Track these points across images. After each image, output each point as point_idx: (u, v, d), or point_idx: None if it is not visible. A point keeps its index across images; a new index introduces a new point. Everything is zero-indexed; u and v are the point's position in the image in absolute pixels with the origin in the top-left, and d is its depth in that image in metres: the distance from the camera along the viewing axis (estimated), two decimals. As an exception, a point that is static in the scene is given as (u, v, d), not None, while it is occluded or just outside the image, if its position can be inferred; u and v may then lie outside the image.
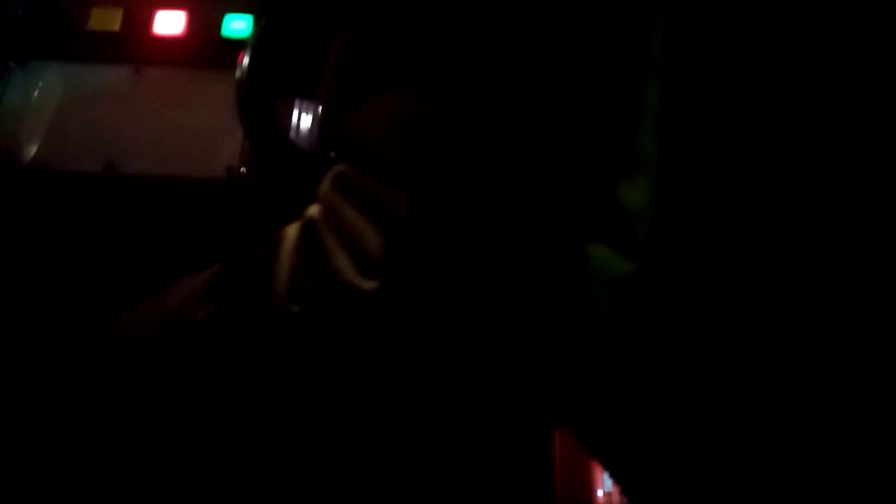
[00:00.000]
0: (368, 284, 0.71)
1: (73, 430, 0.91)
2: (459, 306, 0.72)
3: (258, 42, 1.20)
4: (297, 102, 1.29)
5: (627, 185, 0.72)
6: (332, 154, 0.78)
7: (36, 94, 1.34)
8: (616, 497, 1.21)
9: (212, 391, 0.80)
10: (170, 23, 1.37)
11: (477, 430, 0.78)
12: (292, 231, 0.78)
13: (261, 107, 1.19)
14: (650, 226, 0.72)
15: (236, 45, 1.28)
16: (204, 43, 1.36)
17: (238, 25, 1.36)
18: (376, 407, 0.76)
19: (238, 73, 1.19)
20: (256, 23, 1.34)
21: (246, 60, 1.19)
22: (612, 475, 0.89)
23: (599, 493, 1.22)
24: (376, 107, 0.74)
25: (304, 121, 1.29)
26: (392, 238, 0.71)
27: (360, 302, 0.71)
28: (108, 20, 1.37)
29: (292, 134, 1.28)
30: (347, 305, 0.72)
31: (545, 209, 0.73)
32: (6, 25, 1.36)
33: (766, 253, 0.72)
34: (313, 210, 0.78)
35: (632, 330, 0.73)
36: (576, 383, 0.77)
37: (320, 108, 0.94)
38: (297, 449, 0.84)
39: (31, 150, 1.30)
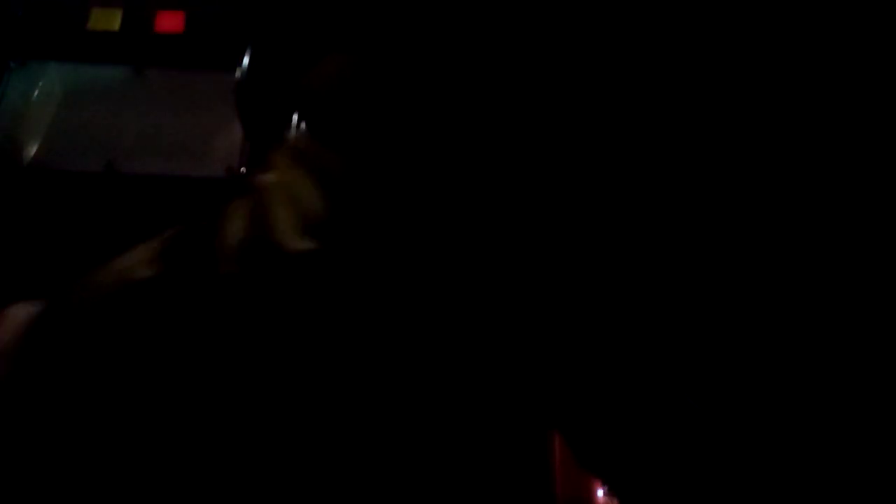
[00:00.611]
0: (306, 245, 0.73)
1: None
2: (393, 266, 0.74)
3: (258, 42, 1.20)
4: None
5: None
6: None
7: (36, 93, 1.34)
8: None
9: (153, 351, 0.81)
10: (170, 23, 1.37)
11: (474, 428, 0.78)
12: (243, 199, 0.80)
13: (261, 107, 1.19)
14: None
15: (236, 45, 1.28)
16: (204, 43, 1.36)
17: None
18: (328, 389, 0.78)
19: (238, 73, 1.19)
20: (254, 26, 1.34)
21: (246, 60, 1.19)
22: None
23: (600, 493, 1.22)
24: (317, 72, 0.76)
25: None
26: (333, 201, 0.73)
27: (295, 262, 0.73)
28: (108, 20, 1.37)
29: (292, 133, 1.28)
30: (283, 266, 0.74)
31: (473, 163, 0.75)
32: (6, 25, 1.36)
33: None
34: (266, 177, 0.79)
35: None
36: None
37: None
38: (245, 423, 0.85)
39: (31, 150, 1.30)
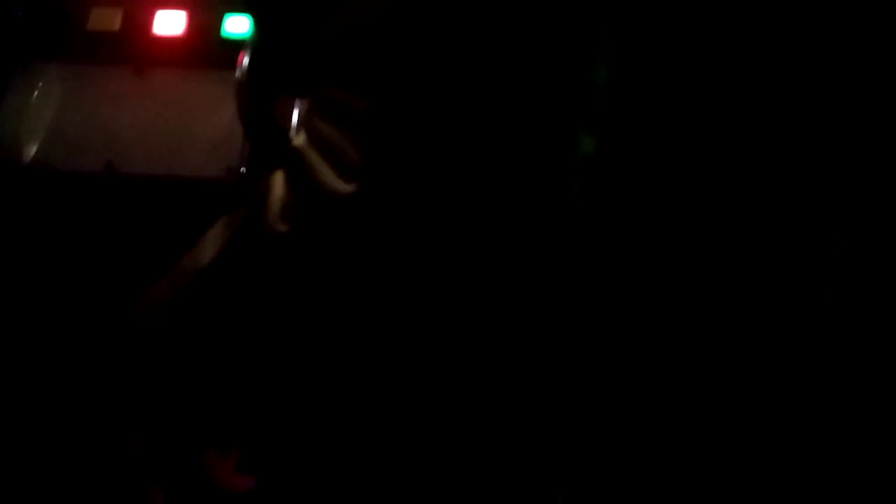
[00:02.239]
0: (348, 188, 0.75)
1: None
2: (434, 203, 0.76)
3: (257, 42, 1.20)
4: (297, 102, 1.29)
5: None
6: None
7: (36, 94, 1.34)
8: None
9: (227, 332, 0.83)
10: (170, 23, 1.37)
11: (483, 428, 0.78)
12: (281, 168, 0.82)
13: (261, 107, 1.19)
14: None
15: (236, 45, 1.28)
16: (204, 43, 1.36)
17: (238, 26, 1.36)
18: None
19: (238, 73, 1.19)
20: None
21: (246, 60, 1.19)
22: None
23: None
24: (338, 21, 0.78)
25: (304, 121, 1.29)
26: (366, 142, 0.75)
27: (341, 205, 0.75)
28: (108, 20, 1.37)
29: (292, 133, 1.28)
30: (331, 212, 0.76)
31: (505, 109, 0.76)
32: (7, 26, 1.36)
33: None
34: (297, 139, 0.81)
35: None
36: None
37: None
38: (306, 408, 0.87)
39: (32, 150, 1.30)
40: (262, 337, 0.82)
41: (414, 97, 0.74)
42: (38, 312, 1.27)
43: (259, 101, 1.19)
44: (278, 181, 0.81)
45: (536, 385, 0.81)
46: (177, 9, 1.37)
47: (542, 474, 0.87)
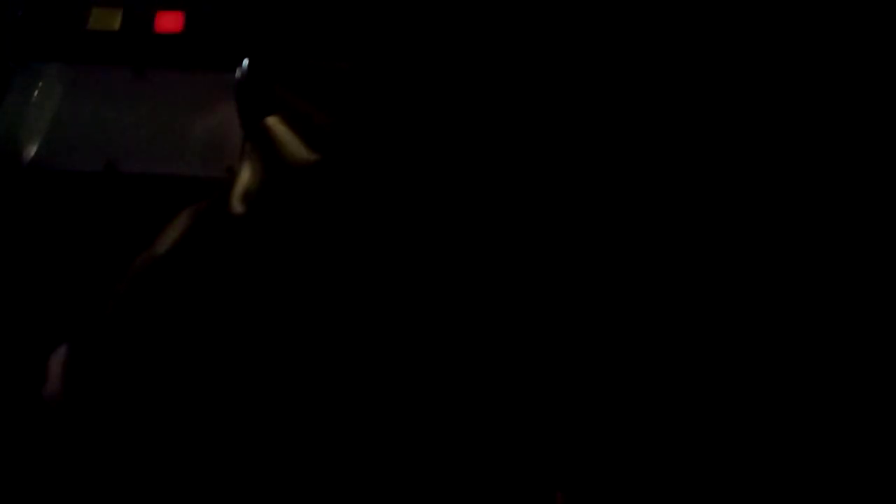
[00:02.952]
0: (314, 156, 0.71)
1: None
2: (409, 170, 0.72)
3: (257, 44, 1.20)
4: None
5: None
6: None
7: (36, 94, 1.34)
8: None
9: (183, 327, 0.79)
10: (170, 23, 1.37)
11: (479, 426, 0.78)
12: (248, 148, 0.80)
13: (261, 106, 1.19)
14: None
15: (236, 45, 1.28)
16: (204, 43, 1.36)
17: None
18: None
19: (238, 73, 1.19)
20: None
21: (246, 61, 1.19)
22: None
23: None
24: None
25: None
26: (337, 105, 0.72)
27: (305, 177, 0.72)
28: (108, 20, 1.37)
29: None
30: (293, 185, 0.72)
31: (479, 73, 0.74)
32: (6, 26, 1.36)
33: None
34: (266, 120, 0.79)
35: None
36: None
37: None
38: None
39: (32, 150, 1.30)
40: (223, 332, 0.77)
41: (394, 58, 0.72)
42: (37, 312, 1.27)
43: (259, 101, 1.19)
44: (243, 167, 0.78)
45: (529, 379, 0.80)
46: (177, 9, 1.37)
47: (542, 473, 0.87)
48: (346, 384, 0.77)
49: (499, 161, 0.72)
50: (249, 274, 0.75)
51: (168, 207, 1.29)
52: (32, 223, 1.29)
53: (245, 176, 0.76)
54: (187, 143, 1.30)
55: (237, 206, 0.75)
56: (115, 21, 1.36)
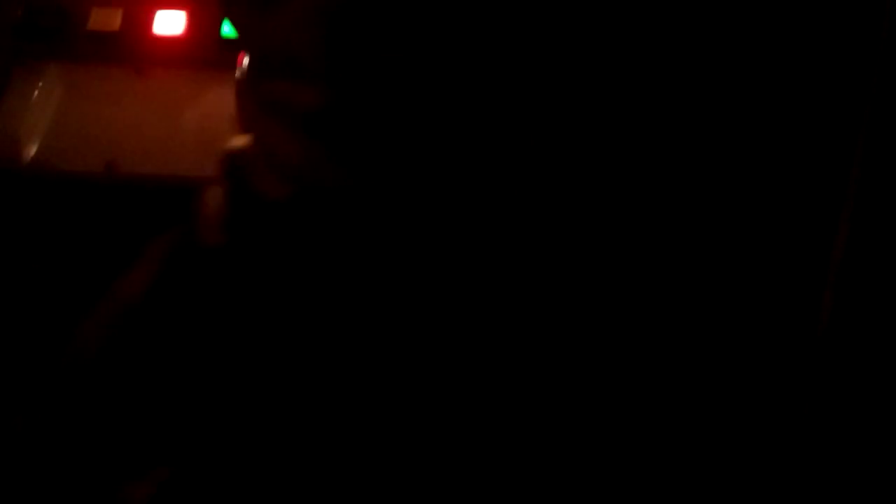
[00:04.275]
0: (286, 191, 0.70)
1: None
2: (382, 201, 0.69)
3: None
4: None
5: None
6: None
7: (36, 94, 1.34)
8: None
9: (171, 370, 0.78)
10: (170, 23, 1.37)
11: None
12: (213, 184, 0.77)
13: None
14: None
15: (236, 45, 1.28)
16: (204, 43, 1.36)
17: (238, 25, 1.35)
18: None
19: (238, 73, 1.19)
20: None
21: (245, 61, 1.19)
22: None
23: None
24: (287, 8, 0.72)
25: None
26: (308, 139, 0.69)
27: (281, 212, 0.70)
28: (108, 20, 1.37)
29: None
30: (269, 219, 0.71)
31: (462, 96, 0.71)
32: (6, 26, 1.36)
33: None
34: (238, 141, 0.76)
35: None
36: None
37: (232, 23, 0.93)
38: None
39: (32, 150, 1.30)
40: (211, 366, 0.76)
41: (366, 89, 0.69)
42: (37, 312, 1.27)
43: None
44: (214, 194, 0.76)
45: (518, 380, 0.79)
46: (177, 9, 1.37)
47: (541, 471, 0.87)
48: (338, 408, 0.77)
49: (490, 169, 0.71)
50: (235, 304, 0.74)
51: (168, 208, 1.29)
52: (32, 223, 1.29)
53: (216, 201, 0.75)
54: (186, 143, 1.30)
55: (216, 236, 0.73)
56: (115, 21, 1.36)
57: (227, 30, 1.35)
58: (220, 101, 1.28)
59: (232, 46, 1.30)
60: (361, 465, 0.81)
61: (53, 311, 1.26)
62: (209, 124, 1.31)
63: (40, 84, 1.34)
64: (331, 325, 0.74)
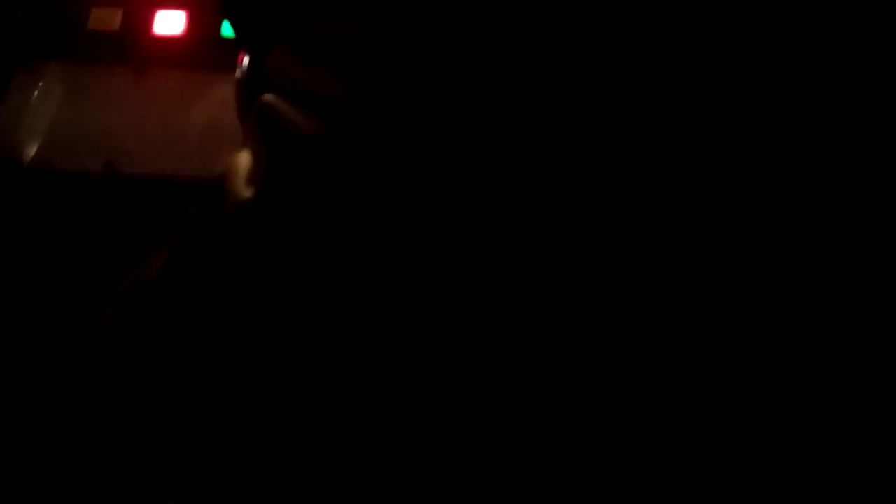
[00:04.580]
0: (327, 127, 0.65)
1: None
2: (432, 140, 0.65)
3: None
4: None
5: None
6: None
7: (36, 94, 1.34)
8: None
9: (188, 342, 0.75)
10: (170, 23, 1.37)
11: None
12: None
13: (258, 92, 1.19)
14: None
15: (236, 45, 1.28)
16: (204, 43, 1.36)
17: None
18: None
19: (238, 73, 1.19)
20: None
21: (246, 60, 1.19)
22: None
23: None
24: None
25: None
26: (352, 71, 0.65)
27: (319, 149, 0.65)
28: (108, 20, 1.37)
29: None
30: (306, 160, 0.66)
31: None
32: (6, 25, 1.36)
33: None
34: (264, 97, 0.72)
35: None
36: None
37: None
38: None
39: (32, 150, 1.31)
40: (237, 342, 0.73)
41: (410, 16, 0.65)
42: (37, 312, 1.27)
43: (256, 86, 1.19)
44: (240, 156, 0.72)
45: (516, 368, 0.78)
46: (177, 9, 1.37)
47: (538, 471, 0.87)
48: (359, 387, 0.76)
49: (514, 143, 0.67)
50: (262, 265, 0.70)
51: (168, 208, 1.29)
52: (32, 223, 1.29)
53: (245, 161, 0.70)
54: (187, 143, 1.30)
55: (244, 191, 0.68)
56: (115, 21, 1.37)
57: (227, 30, 1.35)
58: (220, 101, 1.28)
59: (232, 46, 1.30)
60: (361, 465, 0.81)
61: (53, 309, 1.27)
62: (209, 124, 1.31)
63: (40, 84, 1.34)
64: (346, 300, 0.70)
